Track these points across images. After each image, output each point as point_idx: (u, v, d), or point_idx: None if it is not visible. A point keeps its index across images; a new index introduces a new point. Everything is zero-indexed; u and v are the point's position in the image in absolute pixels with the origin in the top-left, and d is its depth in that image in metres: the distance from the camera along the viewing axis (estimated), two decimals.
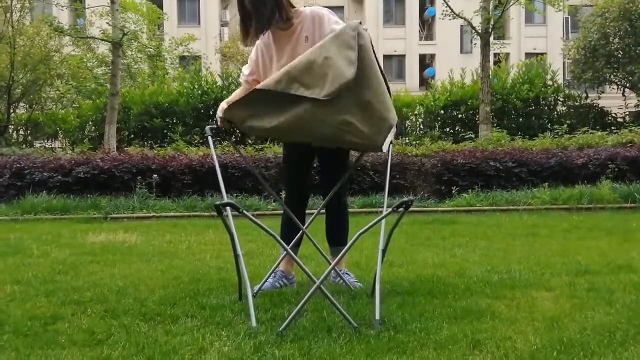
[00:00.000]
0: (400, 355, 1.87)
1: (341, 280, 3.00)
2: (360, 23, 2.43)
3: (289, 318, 2.18)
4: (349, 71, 2.25)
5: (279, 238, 2.43)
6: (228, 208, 2.37)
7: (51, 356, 1.90)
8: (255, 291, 2.72)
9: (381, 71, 2.45)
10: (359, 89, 2.34)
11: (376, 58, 2.43)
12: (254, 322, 2.18)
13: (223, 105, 2.73)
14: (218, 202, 2.28)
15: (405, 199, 2.32)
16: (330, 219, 3.10)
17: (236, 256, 2.47)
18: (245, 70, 2.97)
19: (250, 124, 2.55)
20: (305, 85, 2.31)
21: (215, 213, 8.35)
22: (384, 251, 2.53)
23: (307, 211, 3.13)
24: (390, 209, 2.41)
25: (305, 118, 2.38)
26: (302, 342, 1.99)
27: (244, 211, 2.31)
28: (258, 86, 2.45)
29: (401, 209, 2.32)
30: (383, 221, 2.54)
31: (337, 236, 3.09)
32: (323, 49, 2.33)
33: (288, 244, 2.88)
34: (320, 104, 2.30)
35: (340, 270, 3.02)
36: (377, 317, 2.23)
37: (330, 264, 2.78)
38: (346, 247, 2.44)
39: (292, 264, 3.10)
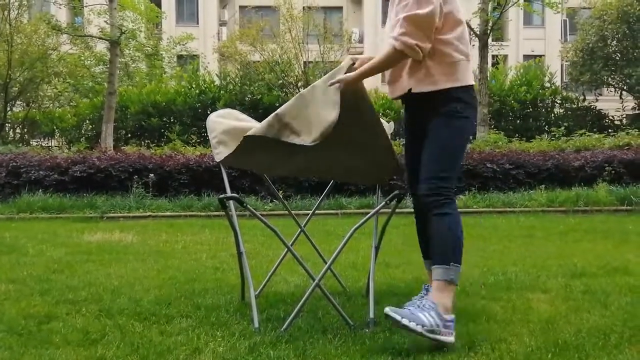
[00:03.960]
0: (395, 356, 1.87)
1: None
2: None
3: (291, 317, 2.18)
4: (331, 114, 2.17)
5: (280, 234, 2.41)
6: (231, 203, 2.36)
7: (45, 355, 1.89)
8: (256, 293, 2.71)
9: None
10: (353, 130, 2.29)
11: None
12: (256, 323, 2.17)
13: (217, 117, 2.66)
14: (222, 196, 2.27)
15: (397, 191, 2.33)
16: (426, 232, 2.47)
17: (239, 254, 2.44)
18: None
19: (251, 168, 2.58)
20: (295, 133, 2.25)
21: (211, 213, 8.21)
22: (377, 248, 2.53)
23: (303, 212, 3.12)
24: (383, 202, 2.43)
25: (305, 167, 2.49)
26: (297, 342, 1.99)
27: (247, 205, 2.30)
28: (249, 133, 2.33)
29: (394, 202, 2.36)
30: (376, 219, 2.54)
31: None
32: (312, 90, 2.25)
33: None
34: (313, 149, 2.24)
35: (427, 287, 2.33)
36: (372, 315, 2.23)
37: (326, 263, 2.76)
38: (341, 244, 2.39)
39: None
